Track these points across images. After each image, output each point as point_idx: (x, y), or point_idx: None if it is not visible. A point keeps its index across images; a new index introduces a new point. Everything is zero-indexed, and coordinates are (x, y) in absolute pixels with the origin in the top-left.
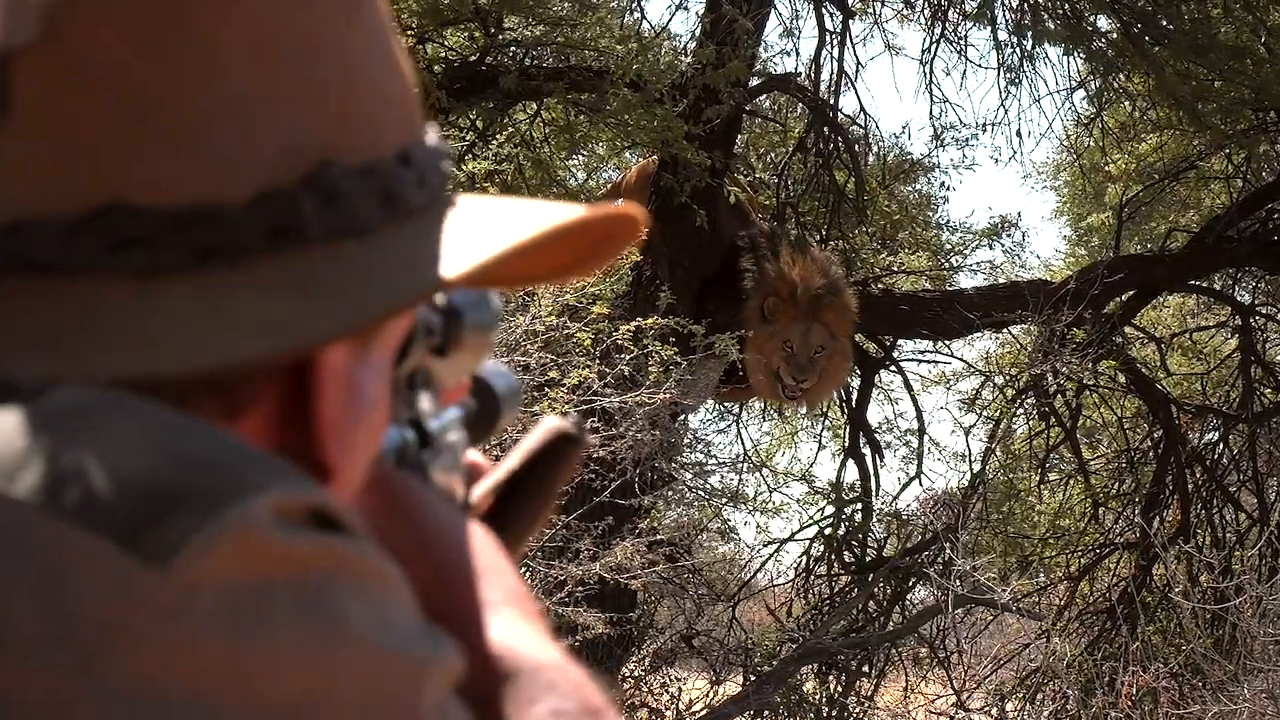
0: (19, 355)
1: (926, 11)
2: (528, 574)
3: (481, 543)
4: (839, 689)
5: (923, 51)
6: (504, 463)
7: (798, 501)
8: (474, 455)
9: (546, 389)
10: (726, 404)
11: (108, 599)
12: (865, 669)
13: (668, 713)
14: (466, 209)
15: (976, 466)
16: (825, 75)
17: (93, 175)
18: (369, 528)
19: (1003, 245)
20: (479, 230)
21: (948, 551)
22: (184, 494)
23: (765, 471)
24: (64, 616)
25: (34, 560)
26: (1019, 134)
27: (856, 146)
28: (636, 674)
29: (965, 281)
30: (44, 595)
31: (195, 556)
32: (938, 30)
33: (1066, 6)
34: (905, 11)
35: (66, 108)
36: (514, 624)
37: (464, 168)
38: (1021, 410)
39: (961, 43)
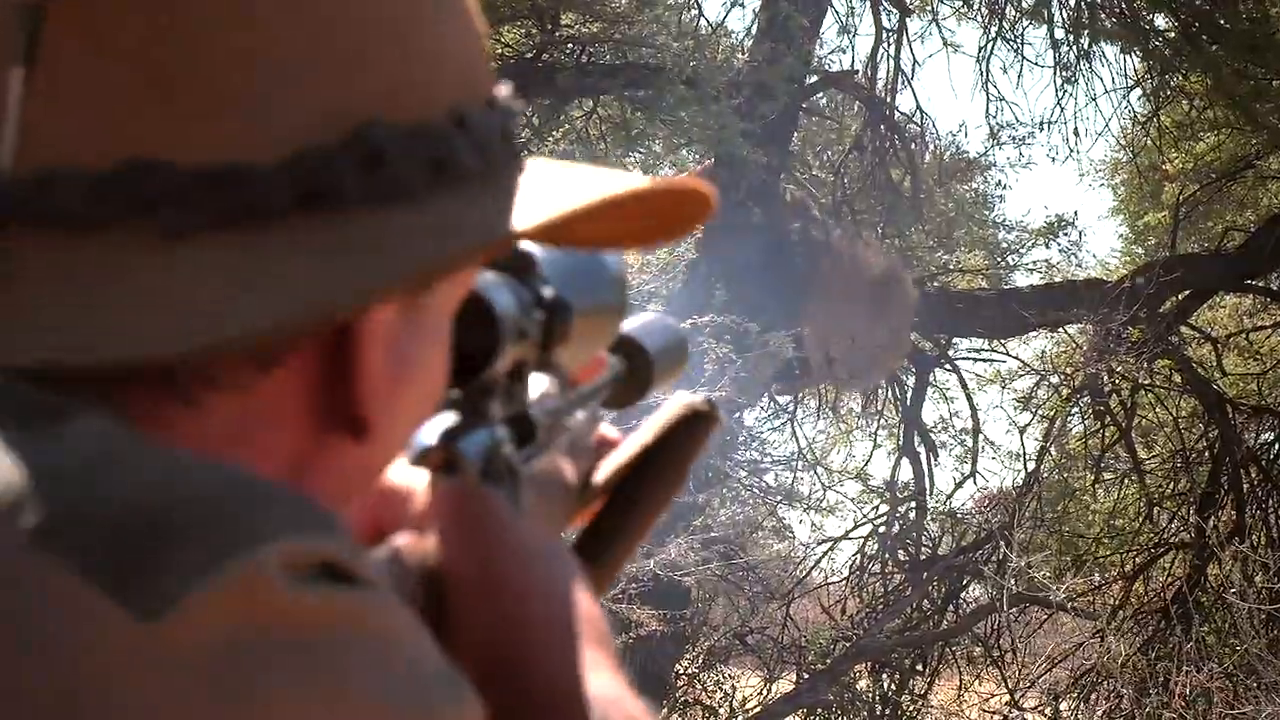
0: (46, 324)
1: (984, 9)
2: None
3: (558, 569)
4: (892, 687)
5: (979, 49)
6: (634, 438)
7: (852, 500)
8: (606, 429)
9: None
10: (781, 401)
11: (93, 651)
12: (919, 667)
13: (721, 710)
14: (533, 172)
15: (1031, 465)
16: (882, 73)
17: (122, 130)
18: (434, 552)
19: (1059, 244)
20: (544, 192)
21: (1002, 550)
22: (185, 540)
23: (820, 469)
24: (45, 667)
25: (18, 604)
26: (1076, 132)
27: (913, 144)
28: (690, 671)
29: (1021, 280)
30: (25, 644)
31: (191, 610)
32: (995, 28)
33: (1123, 5)
34: (962, 9)
35: (97, 61)
36: (577, 658)
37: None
38: (1077, 409)
39: (1018, 41)
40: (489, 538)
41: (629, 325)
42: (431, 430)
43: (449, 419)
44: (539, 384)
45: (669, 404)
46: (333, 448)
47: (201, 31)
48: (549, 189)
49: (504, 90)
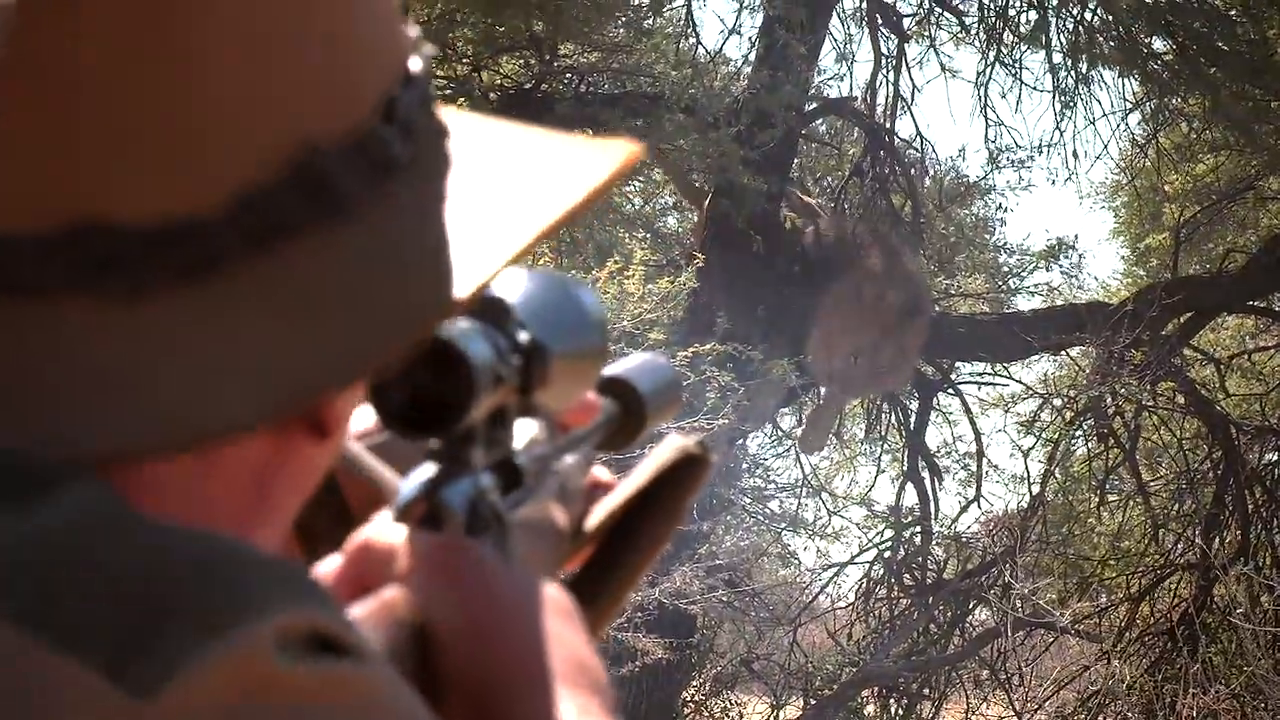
0: (11, 407)
1: (981, 35)
2: None
3: (548, 617)
4: (900, 712)
5: (978, 74)
6: (627, 481)
7: (857, 525)
8: (599, 473)
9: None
10: (784, 427)
11: None
12: (926, 692)
13: None
14: (463, 170)
15: (1035, 488)
16: (881, 99)
17: (67, 192)
18: (419, 608)
19: (1060, 267)
20: (479, 226)
21: (1007, 574)
22: (177, 617)
23: (824, 495)
24: None
25: (7, 684)
26: (1075, 155)
27: (913, 170)
28: (697, 699)
29: (1023, 304)
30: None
31: (185, 686)
32: (992, 53)
33: (1121, 28)
34: (960, 34)
35: (38, 122)
36: (563, 705)
37: None
38: (1080, 432)
39: (1016, 65)
40: (474, 589)
41: (620, 367)
42: (413, 481)
43: (430, 470)
44: (526, 430)
45: (662, 447)
46: (294, 451)
47: (144, 86)
48: (486, 216)
49: (415, 53)
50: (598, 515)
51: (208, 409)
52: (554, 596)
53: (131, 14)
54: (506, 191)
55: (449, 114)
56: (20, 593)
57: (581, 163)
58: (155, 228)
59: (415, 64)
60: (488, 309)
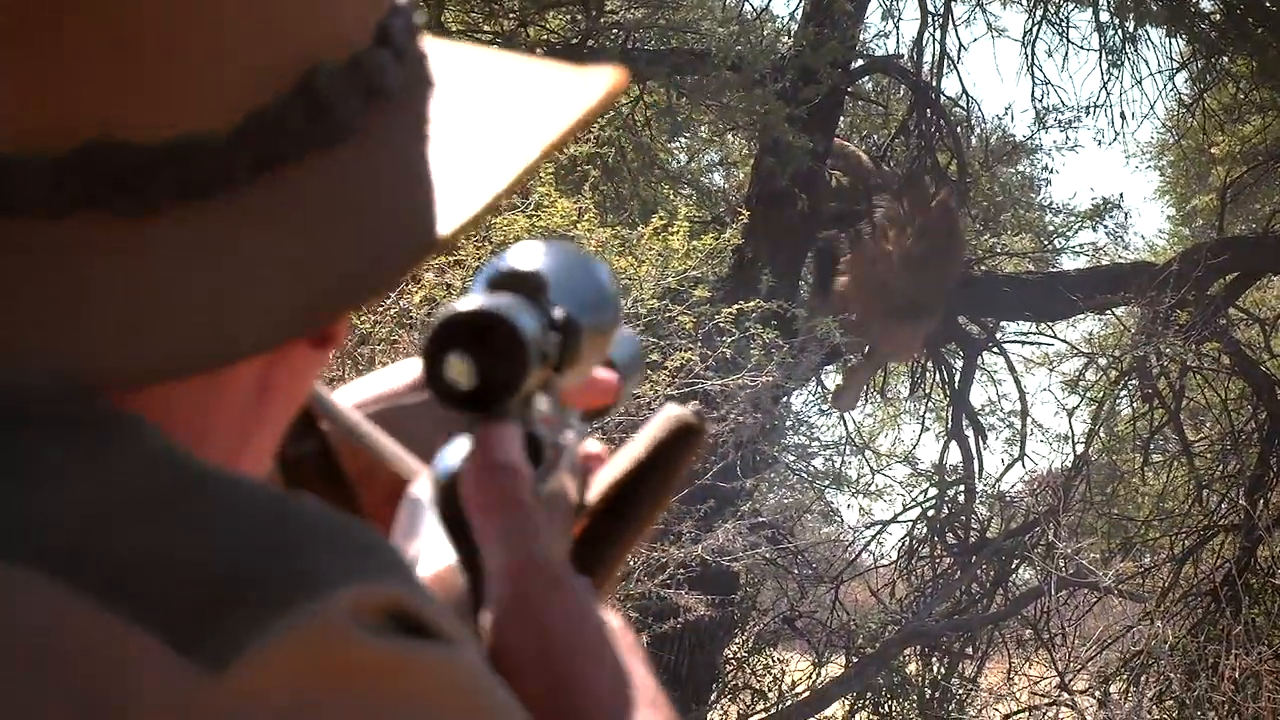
0: (31, 327)
1: None
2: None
3: (612, 634)
4: (942, 671)
5: (1025, 33)
6: (623, 453)
7: (900, 483)
8: (592, 445)
9: (648, 372)
10: (829, 385)
11: (158, 708)
12: (968, 651)
13: (770, 694)
14: (442, 97)
15: (1080, 448)
16: (927, 57)
17: (77, 111)
18: (488, 623)
19: (1105, 227)
20: (467, 156)
21: (1051, 533)
22: (249, 588)
23: (868, 454)
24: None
25: (82, 662)
26: (1122, 115)
27: (959, 128)
28: (739, 656)
29: (1068, 263)
30: (88, 699)
31: (256, 661)
32: (1039, 12)
33: None
34: None
35: (43, 41)
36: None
37: (565, 150)
38: (1125, 392)
39: (1063, 24)
40: (553, 620)
41: None
42: (454, 455)
43: (465, 444)
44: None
45: (658, 418)
46: (294, 360)
47: (148, 5)
48: (474, 150)
49: None
50: (598, 487)
51: (229, 327)
52: (616, 623)
53: None
54: (493, 122)
55: (432, 42)
56: (100, 563)
57: (566, 91)
58: (166, 146)
59: None
60: (524, 283)
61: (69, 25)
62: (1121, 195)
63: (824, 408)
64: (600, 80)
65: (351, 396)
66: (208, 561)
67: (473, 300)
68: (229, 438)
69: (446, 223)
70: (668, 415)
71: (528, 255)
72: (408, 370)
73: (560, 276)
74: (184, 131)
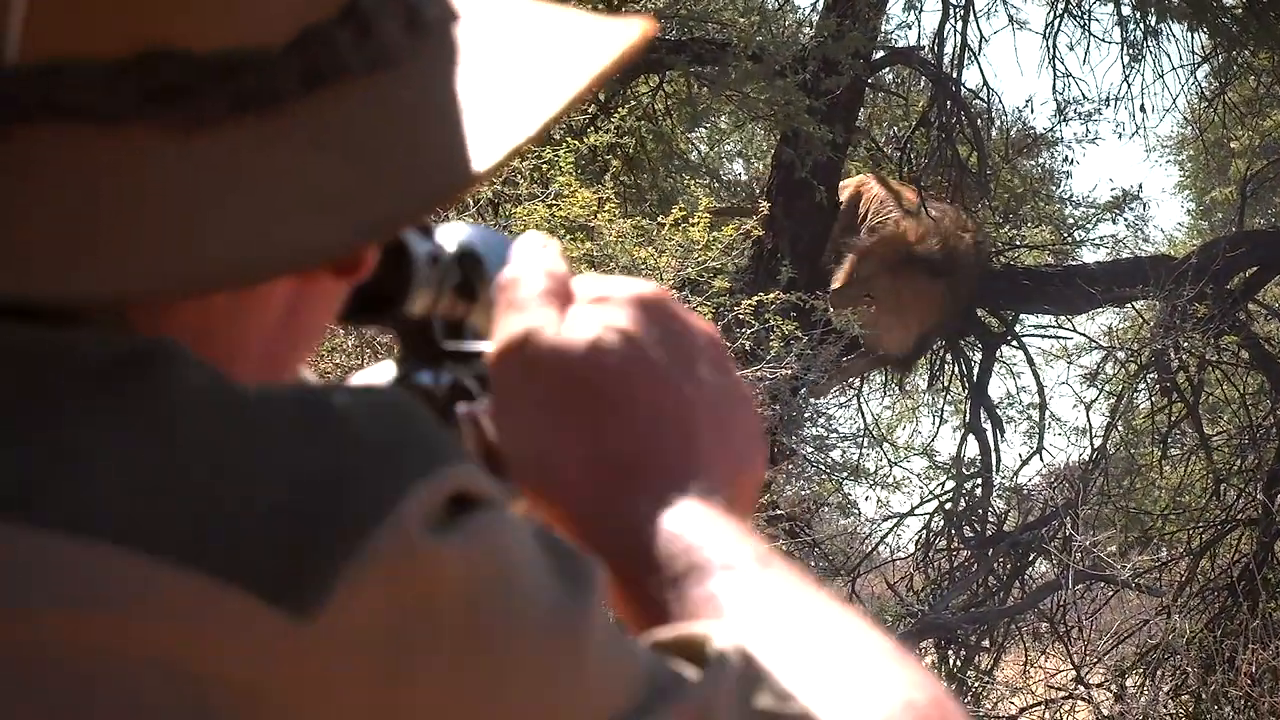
0: (73, 243)
1: None
2: None
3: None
4: (958, 664)
5: (1046, 25)
6: None
7: (918, 476)
8: None
9: None
10: (848, 378)
11: (253, 662)
12: (984, 644)
13: None
14: (472, 34)
15: (1098, 442)
16: (948, 48)
17: (134, 18)
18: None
19: (1125, 220)
20: (496, 101)
21: (1068, 526)
22: (322, 524)
23: (886, 446)
24: (201, 688)
25: (169, 629)
26: (1142, 109)
27: (980, 120)
28: None
29: (1088, 256)
30: (180, 668)
31: (345, 599)
32: (1061, 4)
33: None
34: None
35: None
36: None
37: (585, 140)
38: (1143, 385)
39: (1085, 17)
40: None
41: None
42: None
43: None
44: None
45: None
46: (318, 287)
47: None
48: (505, 87)
49: None
50: None
51: (269, 243)
52: None
53: None
54: (525, 65)
55: None
56: (162, 524)
57: (595, 37)
58: (220, 57)
59: None
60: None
61: None
62: (1140, 186)
63: (843, 400)
64: (628, 28)
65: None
66: (271, 503)
67: None
68: (259, 358)
69: (480, 161)
70: None
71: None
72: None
73: (463, 233)
74: (239, 44)
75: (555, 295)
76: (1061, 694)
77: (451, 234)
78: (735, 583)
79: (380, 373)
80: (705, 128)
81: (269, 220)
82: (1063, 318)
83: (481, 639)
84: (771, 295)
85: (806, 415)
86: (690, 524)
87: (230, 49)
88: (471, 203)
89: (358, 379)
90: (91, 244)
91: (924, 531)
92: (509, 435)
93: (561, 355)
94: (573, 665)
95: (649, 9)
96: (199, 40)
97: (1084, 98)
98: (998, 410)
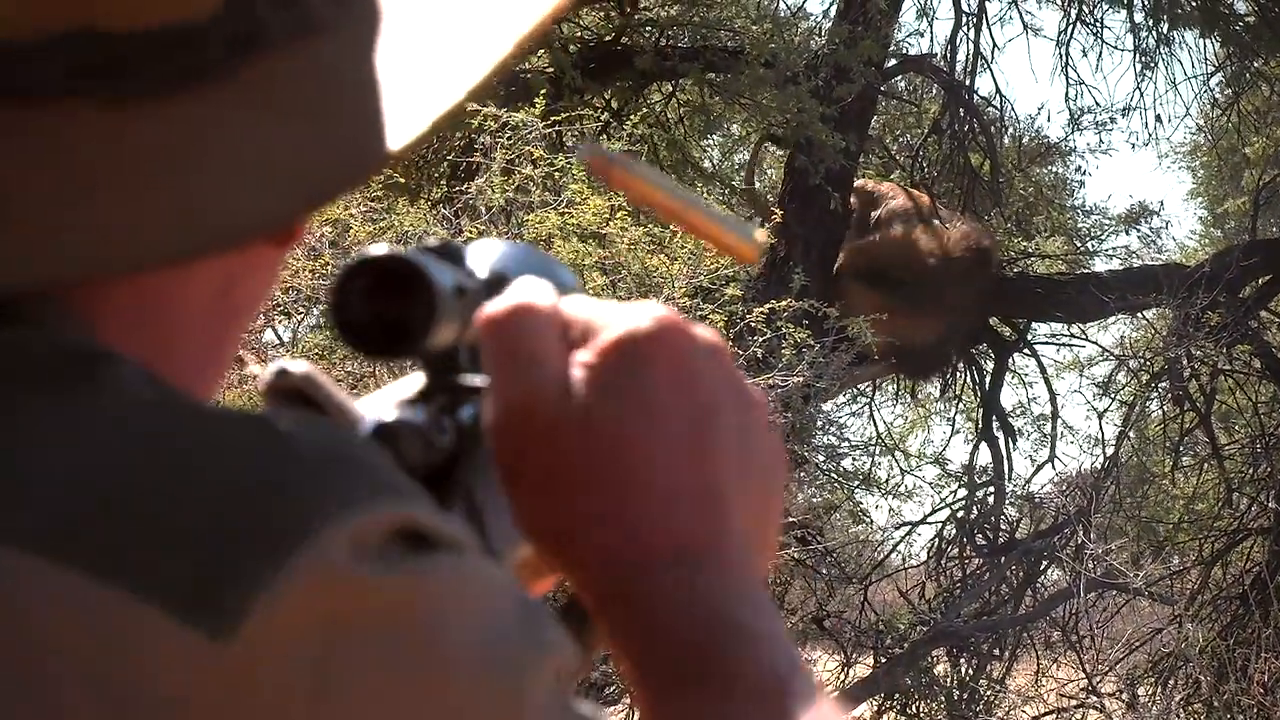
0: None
1: None
2: None
3: None
4: (970, 672)
5: (1059, 33)
6: None
7: (930, 484)
8: None
9: None
10: (859, 386)
11: (173, 680)
12: (997, 652)
13: None
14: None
15: (1110, 450)
16: (961, 56)
17: (61, 1)
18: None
19: (1139, 232)
20: (426, 58)
21: (1080, 535)
22: (245, 541)
23: (898, 454)
24: (123, 702)
25: (88, 640)
26: (1156, 117)
27: (992, 128)
28: None
29: (1100, 265)
30: (101, 680)
31: (265, 617)
32: (1074, 12)
33: None
34: None
35: None
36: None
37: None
38: (1156, 394)
39: (1098, 25)
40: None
41: None
42: (412, 409)
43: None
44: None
45: None
46: (256, 258)
47: None
48: (428, 45)
49: None
50: None
51: (202, 218)
52: None
53: None
54: (448, 28)
55: None
56: (89, 536)
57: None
58: (146, 34)
59: None
60: (443, 252)
61: None
62: (1162, 204)
63: (855, 408)
64: None
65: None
66: (197, 517)
67: (383, 247)
68: (198, 335)
69: (411, 127)
70: None
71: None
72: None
73: (499, 251)
74: (164, 19)
75: (552, 341)
76: (1073, 702)
77: (483, 256)
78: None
79: (408, 386)
80: (718, 135)
81: (202, 195)
82: (1075, 326)
83: (405, 672)
84: (784, 303)
85: (818, 423)
86: (709, 615)
87: (155, 25)
88: (484, 210)
89: (386, 393)
90: (22, 227)
91: (936, 540)
92: (518, 504)
93: (566, 427)
94: (507, 712)
95: (662, 16)
96: (124, 18)
97: (1097, 106)
98: (1010, 419)
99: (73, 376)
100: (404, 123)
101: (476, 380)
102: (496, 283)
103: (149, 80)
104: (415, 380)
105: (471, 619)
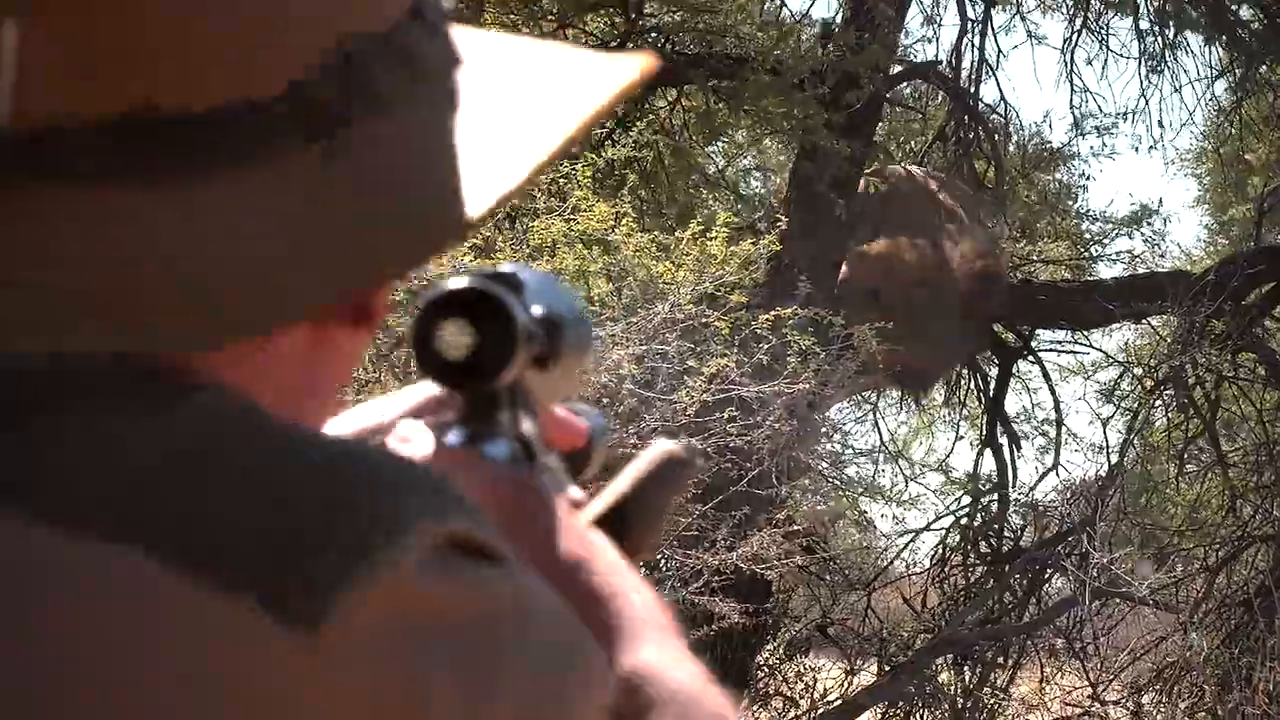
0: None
1: (1069, 0)
2: (664, 563)
3: (615, 555)
4: (974, 680)
5: (1064, 40)
6: (611, 487)
7: (934, 491)
8: (574, 491)
9: (684, 377)
10: (863, 394)
11: (255, 671)
12: (1000, 660)
13: (802, 701)
14: (473, 75)
15: (1114, 457)
16: (966, 63)
17: (122, 79)
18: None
19: (1143, 234)
20: (496, 140)
21: (1085, 543)
22: (325, 542)
23: (902, 461)
24: (210, 695)
25: (173, 634)
26: (1160, 123)
27: (997, 135)
28: (771, 663)
29: (1105, 271)
30: (187, 673)
31: (345, 614)
32: (1079, 19)
33: None
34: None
35: (94, 7)
36: (656, 642)
37: (603, 154)
38: (1160, 401)
39: (1103, 31)
40: (552, 525)
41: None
42: (454, 435)
43: (461, 430)
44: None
45: (648, 451)
46: (334, 340)
47: None
48: (513, 119)
49: None
50: (586, 515)
51: (269, 293)
52: (611, 544)
53: None
54: (523, 104)
55: (461, 28)
56: (159, 522)
57: (596, 74)
58: (210, 114)
59: None
60: (505, 280)
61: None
62: (1160, 200)
63: (859, 415)
64: (630, 65)
65: (354, 421)
66: (280, 519)
67: (466, 279)
68: (278, 410)
69: (478, 204)
70: (656, 449)
71: (505, 266)
72: (405, 398)
73: (539, 285)
74: (227, 99)
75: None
76: (1078, 711)
77: (531, 291)
78: None
79: (417, 392)
80: (723, 141)
81: (264, 272)
82: (1079, 333)
83: (471, 673)
84: (789, 310)
85: (822, 430)
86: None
87: (217, 105)
88: (489, 216)
89: (402, 395)
90: (89, 306)
91: (940, 547)
92: None
93: None
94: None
95: (667, 22)
96: (185, 97)
97: (1101, 111)
98: (1014, 426)
99: (153, 392)
100: (470, 200)
101: (527, 427)
102: (550, 324)
103: (208, 159)
104: (421, 389)
105: (524, 624)
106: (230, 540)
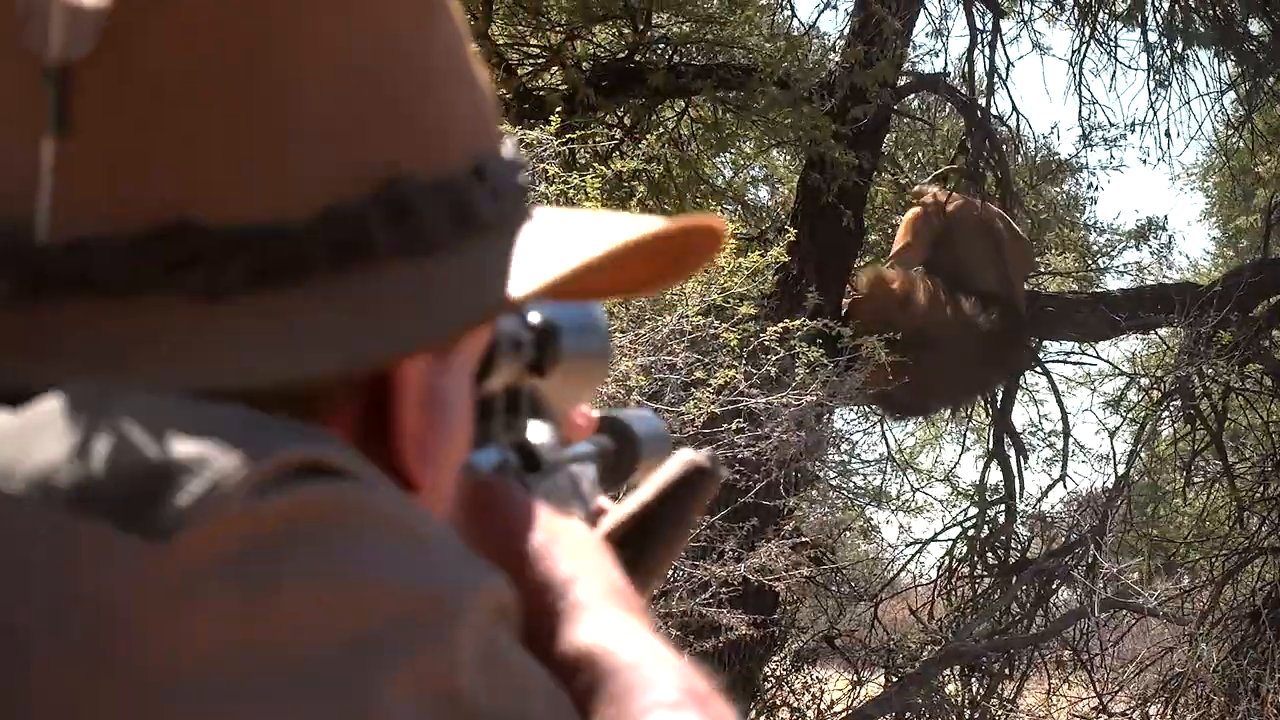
0: (73, 372)
1: (1075, 12)
2: (672, 574)
3: (583, 541)
4: (981, 691)
5: (1072, 52)
6: (634, 496)
7: (941, 502)
8: (601, 501)
9: (692, 389)
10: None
11: (114, 582)
12: (1008, 671)
13: (809, 713)
14: (542, 222)
15: (1121, 469)
16: (975, 75)
17: (155, 194)
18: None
19: (1150, 248)
20: (552, 245)
21: (1092, 554)
22: (180, 468)
23: (909, 472)
24: (70, 607)
25: (35, 555)
26: (1168, 135)
27: (1005, 146)
28: (778, 674)
29: (1112, 283)
30: (49, 590)
31: (196, 526)
32: (1087, 31)
33: (1217, 9)
34: (1054, 11)
35: (127, 123)
36: (610, 621)
37: (611, 165)
38: (1167, 413)
39: (1111, 44)
40: (509, 518)
41: (618, 411)
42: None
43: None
44: (537, 433)
45: (672, 461)
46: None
47: (234, 94)
48: (560, 240)
49: (509, 143)
50: (607, 524)
51: (272, 366)
52: (587, 530)
53: (227, 24)
54: (566, 236)
55: (545, 209)
56: (26, 469)
57: (644, 225)
58: (241, 231)
59: (509, 149)
60: None
61: (148, 109)
62: (1166, 218)
63: (866, 426)
64: (698, 226)
65: None
66: (141, 452)
67: None
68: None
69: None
70: (679, 458)
71: None
72: None
73: (558, 309)
74: (260, 219)
75: None
76: None
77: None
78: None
79: None
80: (731, 153)
81: (271, 357)
82: (1086, 344)
83: (328, 572)
84: (797, 321)
85: (830, 442)
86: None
87: (250, 223)
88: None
89: None
90: (108, 369)
91: (947, 558)
92: None
93: None
94: (442, 617)
95: (675, 34)
96: (218, 213)
97: (1110, 123)
98: (1021, 437)
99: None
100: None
101: (536, 433)
102: (545, 333)
103: (239, 275)
104: None
105: (389, 531)
106: (97, 475)
